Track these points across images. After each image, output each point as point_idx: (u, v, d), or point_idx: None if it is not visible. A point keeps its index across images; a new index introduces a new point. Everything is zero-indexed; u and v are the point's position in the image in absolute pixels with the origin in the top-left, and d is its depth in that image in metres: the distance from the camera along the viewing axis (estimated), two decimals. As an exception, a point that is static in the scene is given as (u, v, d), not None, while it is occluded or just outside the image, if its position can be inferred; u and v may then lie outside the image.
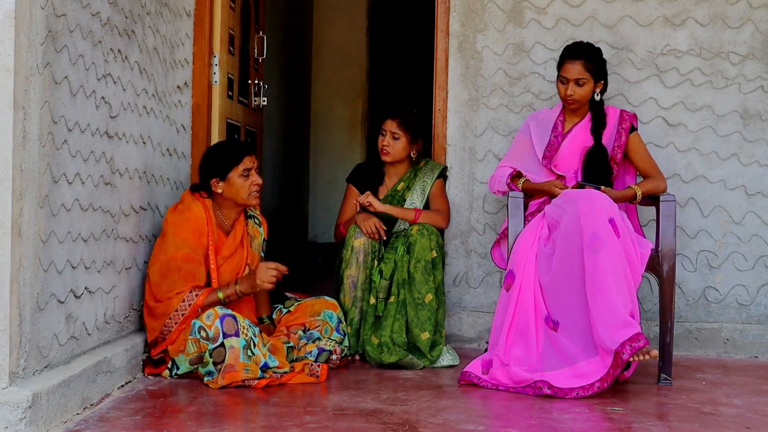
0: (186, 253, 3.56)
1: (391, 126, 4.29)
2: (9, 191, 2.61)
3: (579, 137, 3.98)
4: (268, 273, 3.62)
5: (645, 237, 3.89)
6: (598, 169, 3.93)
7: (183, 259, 3.55)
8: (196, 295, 3.53)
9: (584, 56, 3.92)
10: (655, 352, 3.35)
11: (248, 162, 3.72)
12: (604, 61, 3.99)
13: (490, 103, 4.53)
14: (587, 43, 4.04)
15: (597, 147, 3.95)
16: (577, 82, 3.91)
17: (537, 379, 3.42)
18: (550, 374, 3.43)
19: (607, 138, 3.97)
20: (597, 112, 3.98)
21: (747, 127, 4.44)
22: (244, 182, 3.71)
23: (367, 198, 4.13)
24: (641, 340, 3.34)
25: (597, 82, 3.94)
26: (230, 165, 3.69)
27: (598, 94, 3.96)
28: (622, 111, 4.03)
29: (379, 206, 4.14)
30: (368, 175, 4.44)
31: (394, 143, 4.29)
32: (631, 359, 3.34)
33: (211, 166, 3.72)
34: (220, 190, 3.70)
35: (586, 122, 4.00)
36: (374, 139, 4.41)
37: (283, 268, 3.66)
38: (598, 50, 4.00)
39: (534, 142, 4.04)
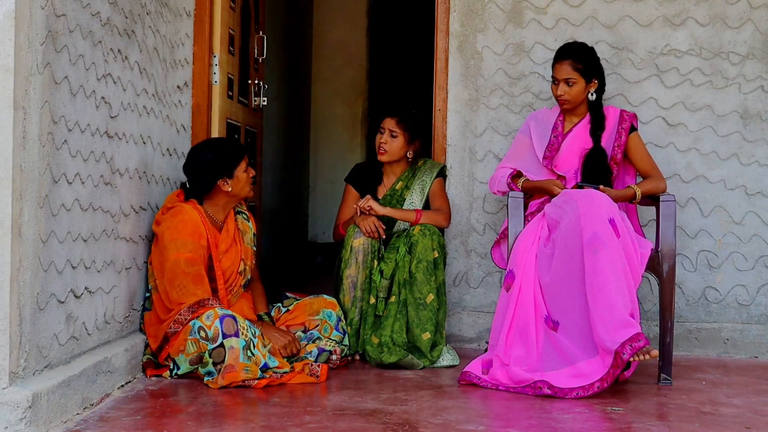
0: (188, 256, 3.56)
1: (389, 124, 4.30)
2: (9, 191, 2.61)
3: (578, 138, 3.98)
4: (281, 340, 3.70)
5: (645, 237, 3.89)
6: (597, 171, 3.92)
7: (186, 261, 3.55)
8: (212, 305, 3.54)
9: (572, 56, 3.92)
10: (655, 352, 3.35)
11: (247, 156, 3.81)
12: (596, 60, 3.98)
13: (490, 103, 4.53)
14: (579, 43, 4.05)
15: (596, 149, 3.95)
16: (567, 82, 3.91)
17: (537, 379, 3.42)
18: (550, 374, 3.43)
19: (607, 139, 3.97)
20: (596, 114, 3.98)
21: (747, 127, 4.44)
22: (247, 176, 3.77)
23: (368, 202, 4.12)
24: (641, 340, 3.34)
25: (589, 81, 3.94)
26: (237, 161, 3.74)
27: (592, 94, 3.96)
28: (622, 111, 4.02)
29: (380, 209, 4.14)
30: (367, 175, 4.44)
31: (391, 141, 4.29)
32: (631, 359, 3.34)
33: (218, 167, 3.71)
34: (229, 188, 3.72)
35: (585, 123, 4.00)
36: (374, 139, 4.41)
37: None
38: (590, 50, 3.99)
39: (534, 143, 4.04)
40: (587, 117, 4.00)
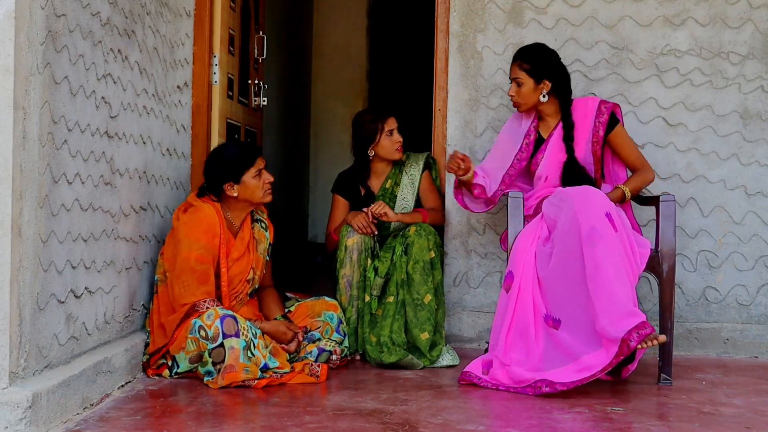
0: (199, 253, 3.57)
1: (394, 123, 4.33)
2: (9, 191, 2.62)
3: (558, 149, 3.93)
4: (288, 335, 3.74)
5: (642, 235, 3.88)
6: (577, 182, 3.89)
7: (196, 259, 3.56)
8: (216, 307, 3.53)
9: (520, 57, 3.92)
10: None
11: (260, 162, 3.76)
12: (549, 62, 3.91)
13: (490, 103, 4.53)
14: (535, 44, 4.02)
15: (570, 162, 3.91)
16: (516, 82, 3.91)
17: (538, 378, 3.42)
18: (552, 372, 3.41)
19: (585, 143, 3.91)
20: (566, 121, 3.92)
21: (747, 127, 4.44)
22: (258, 182, 3.74)
23: (383, 209, 4.11)
24: (648, 328, 3.31)
25: (539, 82, 3.88)
26: (244, 168, 3.72)
27: (544, 95, 3.92)
28: (600, 103, 3.94)
29: (393, 216, 4.14)
30: (352, 182, 4.42)
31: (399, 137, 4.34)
32: (638, 346, 3.29)
33: (224, 170, 3.72)
34: (235, 194, 3.72)
35: (560, 131, 3.96)
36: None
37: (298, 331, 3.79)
38: (544, 51, 3.94)
39: (506, 144, 4.04)
40: (561, 124, 3.97)
